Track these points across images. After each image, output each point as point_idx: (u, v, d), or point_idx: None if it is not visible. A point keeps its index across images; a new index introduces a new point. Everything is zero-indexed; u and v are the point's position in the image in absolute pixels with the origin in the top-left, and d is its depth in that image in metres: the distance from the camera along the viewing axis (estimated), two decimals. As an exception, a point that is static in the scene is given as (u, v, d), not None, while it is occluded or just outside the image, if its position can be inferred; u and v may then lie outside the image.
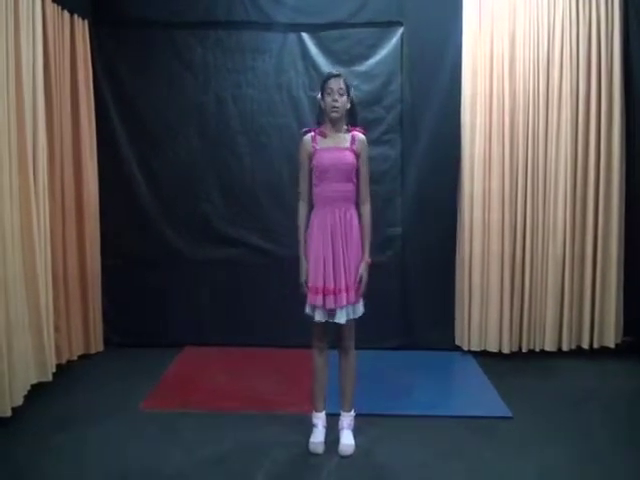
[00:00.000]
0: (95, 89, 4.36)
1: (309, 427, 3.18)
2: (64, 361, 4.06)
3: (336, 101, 2.96)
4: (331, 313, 3.02)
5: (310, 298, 3.02)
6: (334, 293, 2.97)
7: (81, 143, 4.19)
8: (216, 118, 4.50)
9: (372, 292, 4.47)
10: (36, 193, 3.60)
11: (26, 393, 3.50)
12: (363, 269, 3.05)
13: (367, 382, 3.97)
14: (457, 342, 4.57)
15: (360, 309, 3.11)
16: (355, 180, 3.05)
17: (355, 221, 3.03)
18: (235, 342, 4.56)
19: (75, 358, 4.21)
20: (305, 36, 4.41)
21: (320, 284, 2.98)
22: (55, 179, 3.93)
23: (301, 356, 4.28)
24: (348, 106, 3.03)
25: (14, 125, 3.39)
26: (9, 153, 3.33)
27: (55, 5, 3.84)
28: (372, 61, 4.42)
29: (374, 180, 4.42)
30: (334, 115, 2.99)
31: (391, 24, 4.38)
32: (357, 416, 3.22)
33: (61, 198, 4.01)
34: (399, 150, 4.49)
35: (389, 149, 4.47)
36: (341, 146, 3.02)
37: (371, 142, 4.38)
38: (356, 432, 3.19)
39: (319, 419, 3.16)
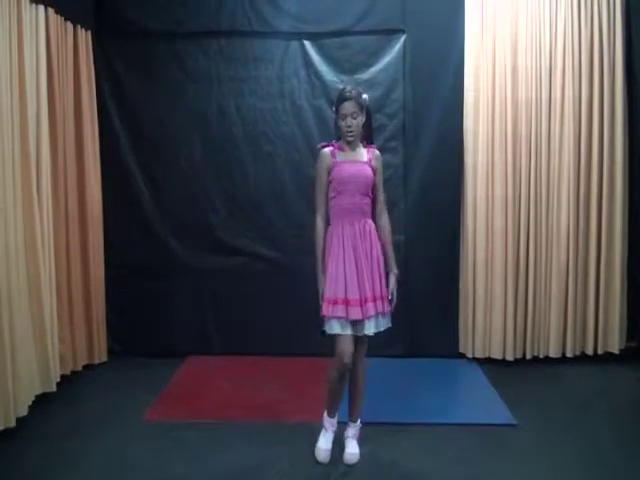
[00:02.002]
0: (98, 100, 4.37)
1: (315, 435, 3.16)
2: (68, 371, 4.05)
3: (350, 126, 2.96)
4: (357, 325, 2.97)
5: (330, 310, 2.92)
6: (360, 305, 2.92)
7: (84, 154, 4.20)
8: (219, 127, 4.51)
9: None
10: (40, 204, 3.61)
11: (30, 403, 3.50)
12: (393, 283, 3.08)
13: (371, 390, 3.94)
14: (461, 349, 4.55)
15: (388, 322, 3.09)
16: (371, 194, 3.06)
17: (374, 233, 3.04)
18: (239, 351, 4.55)
19: (79, 368, 4.21)
20: (307, 44, 4.42)
21: (341, 296, 2.91)
22: (59, 190, 3.93)
23: (306, 364, 4.33)
24: (363, 121, 3.02)
25: (17, 137, 3.40)
26: (12, 165, 3.34)
27: (58, 16, 3.85)
28: (374, 69, 4.42)
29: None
30: (349, 139, 3.00)
31: (393, 32, 4.39)
32: (362, 424, 3.20)
33: (65, 209, 4.01)
34: (402, 157, 4.49)
35: (392, 156, 4.47)
36: (359, 160, 3.03)
37: (374, 150, 4.46)
38: (361, 440, 3.18)
39: (330, 423, 3.14)
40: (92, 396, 3.92)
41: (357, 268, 2.95)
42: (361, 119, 2.99)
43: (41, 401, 3.61)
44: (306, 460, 3.08)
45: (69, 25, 4.02)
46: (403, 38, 4.40)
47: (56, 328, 3.83)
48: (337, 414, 3.16)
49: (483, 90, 4.32)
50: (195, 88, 4.49)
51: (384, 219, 3.11)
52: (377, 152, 3.11)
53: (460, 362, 4.50)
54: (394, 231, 4.44)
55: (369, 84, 4.40)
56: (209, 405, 3.78)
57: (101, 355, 4.43)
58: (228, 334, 4.60)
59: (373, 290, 2.97)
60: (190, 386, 4.08)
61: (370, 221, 3.05)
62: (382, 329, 3.05)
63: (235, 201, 4.56)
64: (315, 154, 4.41)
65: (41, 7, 3.62)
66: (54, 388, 3.74)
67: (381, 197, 3.10)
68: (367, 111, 3.05)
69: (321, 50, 4.42)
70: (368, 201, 3.05)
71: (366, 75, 4.42)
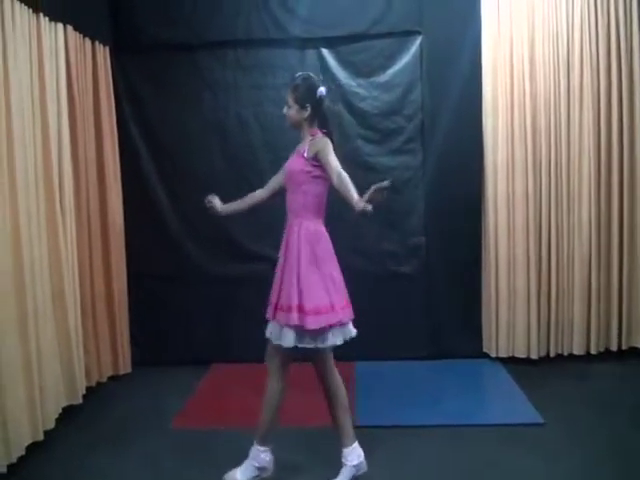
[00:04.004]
0: (117, 113, 4.41)
1: (337, 440, 3.13)
2: (94, 383, 4.09)
3: (285, 114, 2.86)
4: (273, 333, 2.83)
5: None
6: (273, 308, 2.85)
7: (105, 166, 4.23)
8: (238, 136, 4.52)
9: (397, 302, 4.52)
10: (63, 218, 3.65)
11: (57, 416, 3.52)
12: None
13: (396, 393, 3.96)
14: (485, 349, 4.52)
15: (313, 342, 2.75)
16: (306, 193, 2.78)
17: (295, 234, 2.77)
18: (262, 358, 4.53)
19: (104, 380, 4.24)
20: (324, 50, 4.42)
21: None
22: (81, 203, 3.97)
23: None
24: (305, 115, 2.79)
25: (40, 152, 3.44)
26: (36, 179, 3.38)
27: (77, 33, 3.89)
28: (391, 71, 4.41)
29: (396, 190, 4.44)
30: (287, 124, 2.90)
31: (410, 33, 4.38)
32: (388, 428, 3.18)
33: (87, 222, 4.05)
34: (420, 159, 4.47)
35: (411, 158, 4.46)
36: (296, 153, 2.85)
37: (392, 152, 4.45)
38: (388, 444, 3.15)
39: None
40: (118, 407, 3.93)
41: (277, 272, 2.87)
42: (295, 110, 2.79)
43: (68, 413, 3.64)
44: (335, 466, 3.06)
45: (87, 41, 4.06)
46: (419, 39, 4.38)
47: (81, 340, 3.86)
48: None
49: (501, 85, 4.29)
50: (213, 98, 4.51)
51: (340, 184, 2.65)
52: (318, 137, 2.76)
53: (484, 362, 4.47)
54: (415, 232, 4.49)
55: (386, 87, 4.41)
56: (235, 412, 3.77)
57: (125, 366, 4.45)
58: (251, 341, 4.57)
59: (279, 298, 2.80)
60: (215, 394, 4.09)
61: (298, 221, 2.78)
62: (307, 346, 2.75)
63: (254, 209, 4.55)
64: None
65: (60, 24, 3.67)
66: (80, 400, 3.76)
67: (334, 175, 2.65)
68: (314, 106, 2.78)
69: (338, 55, 4.42)
70: (297, 198, 2.80)
71: (383, 78, 4.41)
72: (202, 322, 4.62)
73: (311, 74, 2.93)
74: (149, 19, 4.43)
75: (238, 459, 3.12)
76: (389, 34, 4.37)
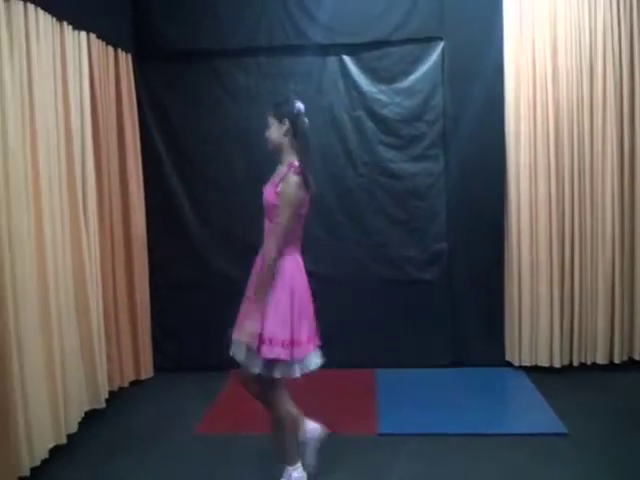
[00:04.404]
0: (140, 121, 4.45)
1: (366, 448, 3.13)
2: (116, 388, 4.11)
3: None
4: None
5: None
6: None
7: (128, 175, 4.27)
8: (259, 143, 4.47)
9: (419, 309, 4.49)
10: (86, 226, 3.69)
11: (80, 420, 3.56)
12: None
13: (418, 401, 3.93)
14: (507, 358, 4.47)
15: (261, 368, 2.73)
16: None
17: (259, 263, 2.80)
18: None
19: (126, 385, 4.26)
20: (345, 56, 4.41)
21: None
22: (104, 211, 4.01)
23: (350, 377, 4.31)
24: (284, 130, 2.76)
25: (64, 159, 3.49)
26: (59, 187, 3.42)
27: (100, 41, 3.93)
28: (413, 77, 4.39)
29: (418, 196, 4.45)
30: (270, 147, 2.86)
31: (431, 39, 4.35)
32: (412, 436, 3.15)
33: (110, 229, 4.09)
34: (442, 165, 4.44)
35: (433, 164, 4.43)
36: (272, 182, 2.80)
37: (414, 158, 4.43)
38: (411, 452, 3.14)
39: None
40: (140, 412, 3.96)
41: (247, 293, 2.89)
42: (275, 125, 2.77)
43: (90, 417, 3.68)
44: (360, 472, 3.05)
45: (110, 49, 4.11)
46: (441, 45, 4.36)
47: (104, 346, 3.90)
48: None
49: (523, 90, 4.24)
50: (234, 105, 4.52)
51: (265, 246, 2.75)
52: (289, 175, 2.70)
53: (507, 370, 4.42)
54: (437, 238, 4.46)
55: (408, 92, 4.39)
56: (258, 418, 3.75)
57: (147, 371, 4.48)
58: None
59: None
60: (238, 399, 4.07)
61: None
62: (256, 370, 2.74)
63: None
64: (355, 165, 4.46)
65: (83, 33, 3.71)
66: (103, 404, 3.80)
67: (275, 224, 2.69)
68: (294, 123, 2.76)
69: (359, 61, 4.41)
70: (269, 226, 2.77)
71: (405, 84, 4.39)
72: (223, 328, 4.62)
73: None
74: (171, 26, 4.46)
75: (260, 465, 3.14)
76: (411, 40, 4.35)
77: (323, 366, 4.42)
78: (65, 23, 3.50)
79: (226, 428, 3.63)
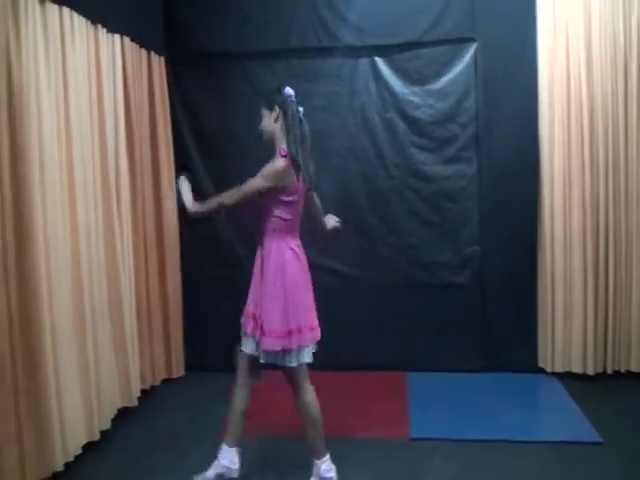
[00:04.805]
0: (172, 122, 4.50)
1: (398, 452, 3.11)
2: (147, 386, 4.16)
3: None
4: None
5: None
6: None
7: (160, 175, 4.32)
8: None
9: (450, 313, 4.44)
10: (120, 224, 3.75)
11: (113, 417, 3.62)
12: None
13: (450, 405, 3.89)
14: (540, 363, 4.39)
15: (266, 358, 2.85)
16: (264, 211, 2.85)
17: (265, 256, 2.87)
18: (315, 366, 4.52)
19: (158, 383, 4.31)
20: (377, 58, 4.38)
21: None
22: (137, 211, 4.06)
23: (381, 379, 4.30)
24: (275, 116, 2.82)
25: (98, 160, 3.55)
26: (94, 186, 3.48)
27: (134, 44, 3.99)
28: (445, 79, 4.34)
29: (451, 198, 4.41)
30: (264, 139, 2.90)
31: (464, 40, 4.30)
32: (442, 441, 3.12)
33: (143, 228, 4.14)
34: (475, 167, 4.39)
35: (465, 166, 4.38)
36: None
37: (447, 160, 4.39)
38: (444, 457, 3.10)
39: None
40: (171, 410, 3.99)
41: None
42: (267, 114, 2.84)
43: (123, 415, 3.73)
44: (392, 478, 3.03)
45: (143, 52, 4.16)
46: (474, 46, 4.30)
47: (136, 344, 3.95)
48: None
49: (558, 90, 4.17)
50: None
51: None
52: (278, 156, 2.80)
53: (539, 377, 4.34)
54: (469, 242, 4.41)
55: (441, 94, 4.35)
56: (289, 419, 3.76)
57: (179, 369, 4.53)
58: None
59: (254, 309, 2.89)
60: (268, 400, 4.09)
61: (263, 241, 2.88)
62: (262, 361, 2.86)
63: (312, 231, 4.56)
64: (386, 167, 4.44)
65: (117, 36, 3.77)
66: (135, 402, 3.85)
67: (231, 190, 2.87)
68: (283, 107, 2.81)
69: (391, 63, 4.38)
70: (262, 218, 2.86)
71: (437, 85, 4.35)
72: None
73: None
74: (202, 29, 4.49)
75: (292, 467, 3.13)
76: (443, 41, 4.31)
77: (353, 368, 4.45)
78: (99, 26, 3.55)
79: (256, 429, 3.63)
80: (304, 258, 2.91)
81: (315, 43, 4.40)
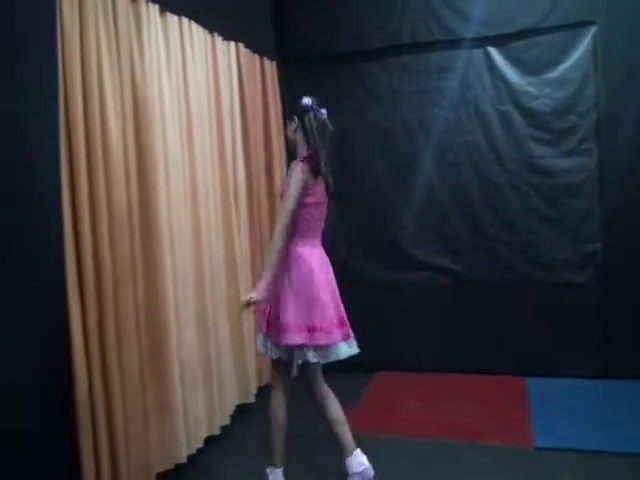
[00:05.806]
0: (285, 125, 4.56)
1: (525, 463, 3.00)
2: (263, 383, 4.24)
3: None
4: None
5: None
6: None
7: (274, 176, 4.40)
8: (402, 141, 4.50)
9: (568, 313, 4.21)
10: (238, 225, 3.86)
11: (232, 413, 3.72)
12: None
13: (572, 414, 3.68)
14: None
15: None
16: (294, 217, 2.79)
17: (289, 262, 2.80)
18: (426, 368, 4.46)
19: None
20: (491, 48, 4.26)
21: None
22: (254, 214, 4.16)
23: (498, 384, 4.16)
24: (294, 127, 2.88)
25: (217, 163, 3.68)
26: (214, 189, 3.60)
27: (247, 50, 4.10)
28: (563, 66, 4.13)
29: (570, 193, 4.19)
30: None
31: (582, 24, 4.08)
32: (570, 451, 2.97)
33: (259, 232, 4.23)
34: (596, 159, 4.15)
35: (585, 159, 4.16)
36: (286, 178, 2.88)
37: (566, 153, 4.18)
38: (571, 470, 2.95)
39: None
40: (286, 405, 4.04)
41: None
42: (289, 126, 2.91)
43: (240, 411, 3.83)
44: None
45: (257, 57, 4.26)
46: (593, 30, 4.06)
47: (253, 343, 4.03)
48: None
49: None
50: (378, 105, 4.52)
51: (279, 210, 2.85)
52: (294, 164, 2.81)
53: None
54: (590, 239, 4.17)
55: (559, 83, 4.15)
56: (402, 421, 3.74)
57: (293, 368, 4.58)
58: (415, 350, 4.52)
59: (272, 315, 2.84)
60: (381, 401, 4.08)
61: (288, 247, 2.80)
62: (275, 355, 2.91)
63: (420, 214, 4.50)
64: (501, 161, 4.29)
65: (232, 43, 3.89)
66: (252, 399, 3.95)
67: (283, 200, 2.79)
68: (301, 118, 2.86)
69: (506, 53, 4.24)
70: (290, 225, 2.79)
71: (555, 74, 4.15)
72: (367, 329, 4.61)
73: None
74: (311, 31, 4.55)
75: (406, 469, 3.09)
76: (560, 27, 4.10)
77: (468, 371, 4.32)
78: (216, 34, 3.68)
79: (370, 429, 3.62)
80: (326, 260, 2.92)
81: (427, 37, 4.34)
